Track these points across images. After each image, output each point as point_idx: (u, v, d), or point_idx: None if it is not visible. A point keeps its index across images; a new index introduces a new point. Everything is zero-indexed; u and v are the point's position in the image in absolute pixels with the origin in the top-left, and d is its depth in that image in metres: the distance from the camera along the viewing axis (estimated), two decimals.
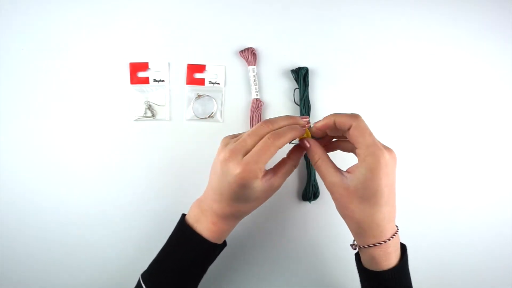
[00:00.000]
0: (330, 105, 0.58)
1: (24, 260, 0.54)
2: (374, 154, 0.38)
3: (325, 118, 0.42)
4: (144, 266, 0.46)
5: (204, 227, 0.44)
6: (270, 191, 0.43)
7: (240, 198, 0.41)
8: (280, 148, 0.40)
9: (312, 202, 0.56)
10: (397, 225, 0.43)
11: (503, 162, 0.59)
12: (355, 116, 0.40)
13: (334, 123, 0.41)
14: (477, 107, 0.59)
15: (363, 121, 0.40)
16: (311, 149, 0.43)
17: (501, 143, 0.59)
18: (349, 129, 0.40)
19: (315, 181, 0.55)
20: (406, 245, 0.44)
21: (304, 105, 0.56)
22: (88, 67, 0.56)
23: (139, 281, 0.44)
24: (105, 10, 0.57)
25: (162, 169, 0.56)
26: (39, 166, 0.55)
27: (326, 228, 0.56)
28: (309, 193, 0.55)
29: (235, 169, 0.39)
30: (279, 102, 0.58)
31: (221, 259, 0.55)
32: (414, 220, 0.57)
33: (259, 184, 0.40)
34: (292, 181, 0.57)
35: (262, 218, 0.56)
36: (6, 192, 0.55)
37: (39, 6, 0.56)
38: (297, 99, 0.57)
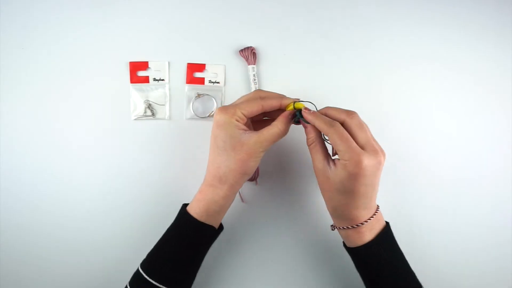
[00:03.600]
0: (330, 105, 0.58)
1: (24, 259, 0.54)
2: (351, 160, 0.39)
3: (311, 117, 0.44)
4: (136, 262, 0.46)
5: (194, 201, 0.46)
6: (250, 144, 0.43)
7: (219, 144, 0.44)
8: (264, 107, 0.44)
9: None
10: (378, 205, 0.45)
11: (503, 162, 0.59)
12: (331, 124, 0.41)
13: (314, 124, 0.43)
14: (472, 101, 0.59)
15: (338, 128, 0.41)
16: (307, 131, 0.45)
17: (501, 141, 0.59)
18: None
19: None
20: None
21: None
22: (88, 66, 0.56)
23: (137, 268, 0.45)
24: (105, 9, 0.57)
25: (162, 168, 0.56)
26: (39, 165, 0.55)
27: None
28: None
29: (215, 115, 0.44)
30: None
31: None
32: (412, 218, 0.57)
33: (234, 127, 0.43)
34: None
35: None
36: (5, 192, 0.55)
37: (39, 5, 0.56)
38: None
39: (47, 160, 0.55)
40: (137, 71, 0.57)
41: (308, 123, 0.44)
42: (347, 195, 0.42)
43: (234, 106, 0.44)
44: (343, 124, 0.42)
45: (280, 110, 0.46)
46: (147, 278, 0.43)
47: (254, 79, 0.56)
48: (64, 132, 0.56)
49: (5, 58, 0.56)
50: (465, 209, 0.58)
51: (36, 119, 0.56)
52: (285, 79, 0.58)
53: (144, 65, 0.57)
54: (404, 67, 0.59)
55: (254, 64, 0.56)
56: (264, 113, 0.48)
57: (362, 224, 0.43)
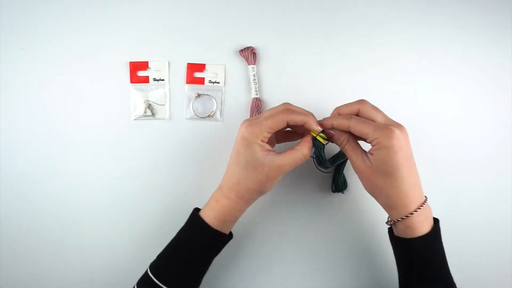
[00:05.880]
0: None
1: (26, 260, 0.54)
2: (383, 135, 0.40)
3: (328, 122, 0.45)
4: (139, 262, 0.46)
5: (208, 209, 0.46)
6: (271, 168, 0.43)
7: (241, 161, 0.44)
8: (288, 122, 0.43)
9: (344, 192, 0.55)
10: (426, 195, 0.45)
11: (504, 162, 0.59)
12: (348, 117, 0.44)
13: (332, 126, 0.45)
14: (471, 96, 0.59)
15: (357, 118, 0.43)
16: (336, 137, 0.45)
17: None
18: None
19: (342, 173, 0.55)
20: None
21: None
22: (88, 66, 0.56)
23: (146, 270, 0.46)
24: (106, 9, 0.57)
25: (161, 168, 0.56)
26: (39, 165, 0.55)
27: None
28: (339, 184, 0.55)
29: (241, 128, 0.44)
30: (279, 102, 0.57)
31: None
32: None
33: (258, 148, 0.43)
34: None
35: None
36: (6, 192, 0.55)
37: (39, 5, 0.56)
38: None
39: (47, 160, 0.55)
40: (137, 71, 0.57)
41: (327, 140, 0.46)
42: (393, 175, 0.41)
43: (260, 124, 0.43)
44: (357, 114, 0.44)
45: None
46: (156, 281, 0.44)
47: (254, 79, 0.56)
48: (64, 132, 0.56)
49: (5, 58, 0.56)
50: (467, 202, 0.58)
51: (36, 119, 0.56)
52: (285, 79, 0.58)
53: (144, 65, 0.57)
54: (405, 66, 0.59)
55: (254, 64, 0.56)
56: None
57: (419, 209, 0.43)
